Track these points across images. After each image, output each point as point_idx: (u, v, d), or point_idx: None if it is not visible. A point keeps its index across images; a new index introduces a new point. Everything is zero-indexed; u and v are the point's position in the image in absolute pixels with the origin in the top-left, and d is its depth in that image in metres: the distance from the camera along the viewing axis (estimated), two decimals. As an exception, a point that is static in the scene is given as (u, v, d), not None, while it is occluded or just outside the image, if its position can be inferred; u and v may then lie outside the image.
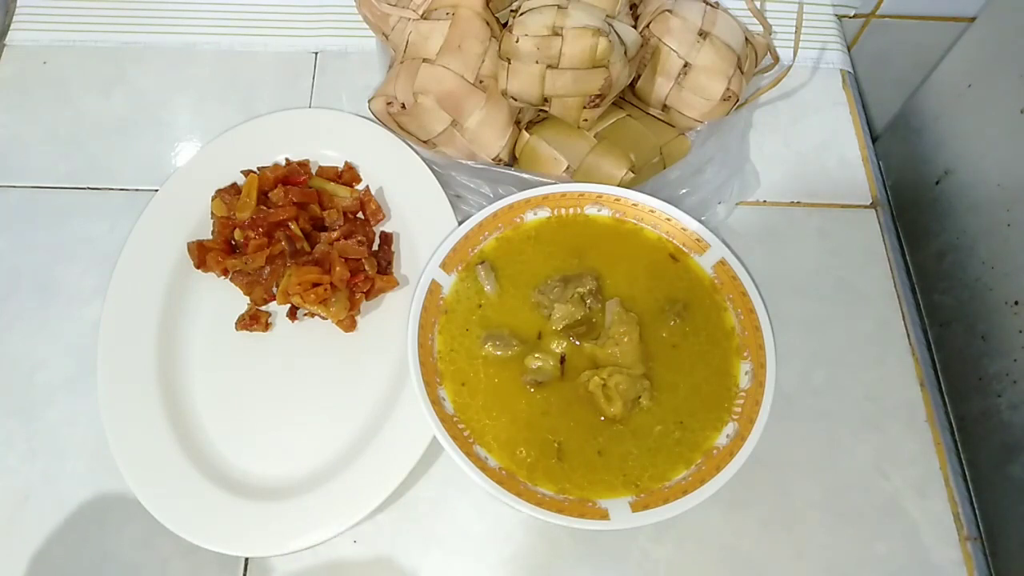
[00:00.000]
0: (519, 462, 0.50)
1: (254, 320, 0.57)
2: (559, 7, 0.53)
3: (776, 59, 0.64)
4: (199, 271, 0.59)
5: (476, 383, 0.52)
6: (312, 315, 0.58)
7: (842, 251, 0.65)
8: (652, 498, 0.48)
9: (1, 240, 0.62)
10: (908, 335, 0.61)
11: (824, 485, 0.56)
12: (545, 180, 0.57)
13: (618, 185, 0.58)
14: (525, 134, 0.59)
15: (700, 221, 0.57)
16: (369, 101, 0.61)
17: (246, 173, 0.61)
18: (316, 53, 0.72)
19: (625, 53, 0.55)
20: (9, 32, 0.72)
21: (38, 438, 0.55)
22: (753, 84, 0.64)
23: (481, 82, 0.57)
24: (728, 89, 0.60)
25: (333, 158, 0.63)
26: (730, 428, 0.51)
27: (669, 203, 0.57)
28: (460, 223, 0.57)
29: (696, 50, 0.59)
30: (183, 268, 0.59)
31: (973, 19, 0.66)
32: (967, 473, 0.58)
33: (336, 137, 0.64)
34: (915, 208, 0.68)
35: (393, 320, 0.58)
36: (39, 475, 0.54)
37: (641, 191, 0.57)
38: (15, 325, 0.59)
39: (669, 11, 0.60)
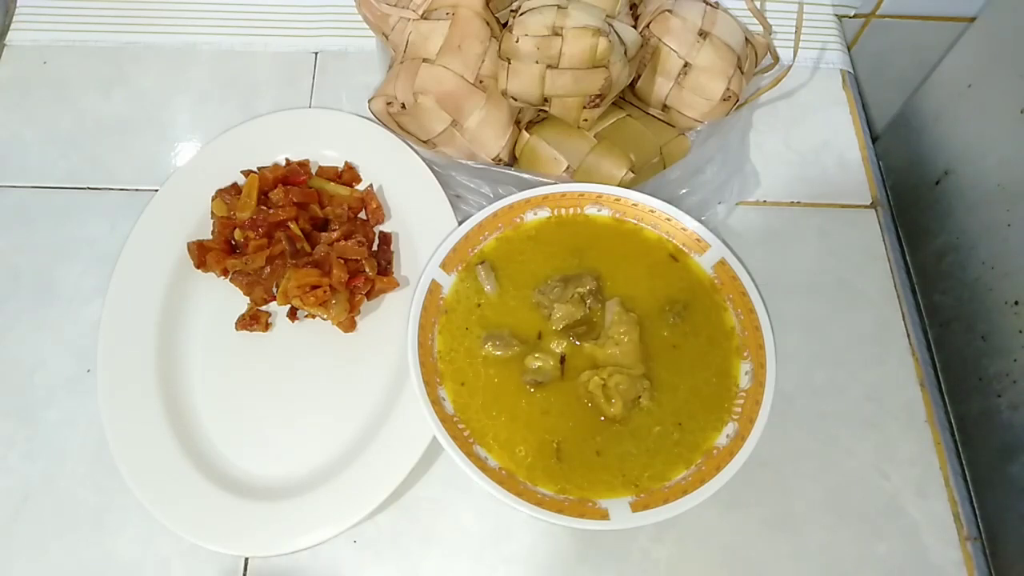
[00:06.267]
0: (519, 462, 0.50)
1: (254, 320, 0.57)
2: (559, 7, 0.53)
3: (776, 59, 0.64)
4: (199, 271, 0.59)
5: (476, 383, 0.52)
6: (312, 316, 0.58)
7: (842, 251, 0.65)
8: (652, 498, 0.48)
9: (1, 240, 0.62)
10: (908, 335, 0.61)
11: (824, 485, 0.56)
12: (545, 180, 0.57)
13: (618, 185, 0.58)
14: (525, 134, 0.59)
15: (700, 221, 0.57)
16: (369, 101, 0.61)
17: (246, 173, 0.61)
18: (316, 53, 0.72)
19: (625, 53, 0.55)
20: (9, 32, 0.72)
21: (38, 438, 0.55)
22: (753, 84, 0.64)
23: (481, 82, 0.57)
24: (728, 89, 0.60)
25: (333, 158, 0.63)
26: (730, 428, 0.51)
27: (669, 203, 0.57)
28: (460, 223, 0.57)
29: (696, 50, 0.59)
30: (183, 268, 0.59)
31: (973, 19, 0.66)
32: (967, 473, 0.58)
33: (336, 137, 0.64)
34: (915, 208, 0.68)
35: (393, 320, 0.58)
36: (39, 475, 0.54)
37: (641, 191, 0.57)
38: (15, 325, 0.59)
39: (669, 11, 0.60)
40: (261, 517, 0.51)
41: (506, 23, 0.57)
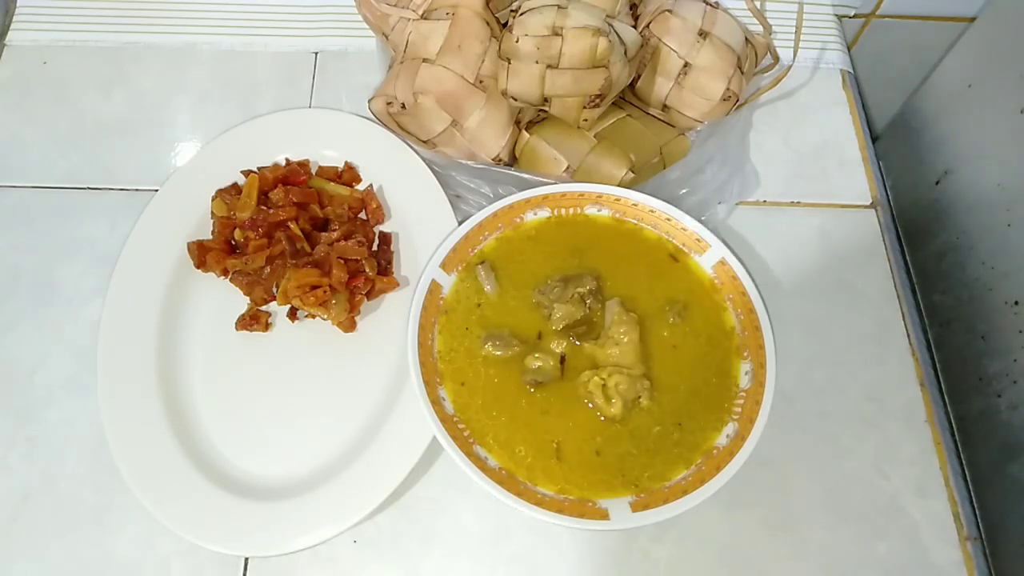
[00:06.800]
0: (518, 462, 0.50)
1: (254, 320, 0.57)
2: (559, 7, 0.53)
3: (776, 59, 0.64)
4: (199, 271, 0.59)
5: (476, 383, 0.52)
6: (312, 316, 0.58)
7: (842, 251, 0.65)
8: (652, 498, 0.48)
9: (1, 240, 0.62)
10: (908, 335, 0.61)
11: (824, 485, 0.56)
12: (545, 180, 0.57)
13: (618, 185, 0.58)
14: (525, 134, 0.59)
15: (700, 221, 0.57)
16: (369, 101, 0.61)
17: (246, 173, 0.61)
18: (316, 53, 0.72)
19: (625, 53, 0.55)
20: (9, 32, 0.72)
21: (38, 438, 0.55)
22: (753, 84, 0.64)
23: (481, 82, 0.57)
24: (728, 89, 0.60)
25: (333, 158, 0.63)
26: (730, 428, 0.51)
27: (669, 203, 0.57)
28: (460, 223, 0.57)
29: (696, 50, 0.59)
30: (183, 268, 0.59)
31: (973, 19, 0.66)
32: (967, 473, 0.58)
33: (336, 137, 0.64)
34: (915, 208, 0.68)
35: (393, 320, 0.58)
36: (39, 475, 0.54)
37: (641, 191, 0.57)
38: (15, 325, 0.59)
39: (669, 11, 0.60)
40: (261, 517, 0.51)
41: (506, 23, 0.57)
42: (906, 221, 0.68)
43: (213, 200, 0.60)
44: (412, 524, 0.54)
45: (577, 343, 0.53)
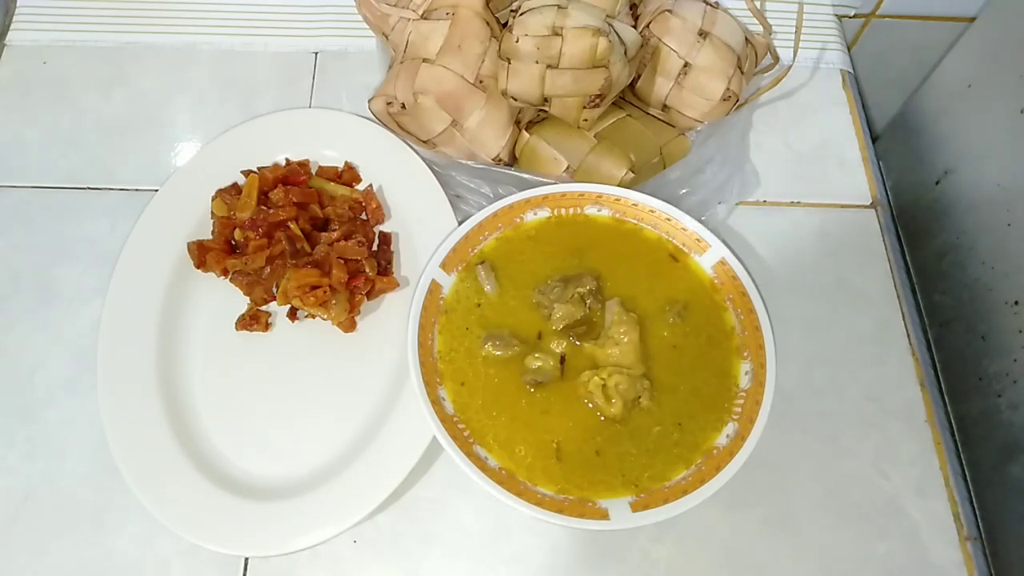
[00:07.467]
0: (518, 462, 0.50)
1: (254, 320, 0.57)
2: (559, 7, 0.53)
3: (776, 59, 0.64)
4: (199, 271, 0.59)
5: (476, 383, 0.52)
6: (312, 316, 0.58)
7: (842, 251, 0.65)
8: (652, 498, 0.48)
9: (1, 240, 0.62)
10: (908, 335, 0.61)
11: (824, 485, 0.56)
12: (545, 180, 0.57)
13: (618, 185, 0.58)
14: (525, 134, 0.59)
15: (700, 221, 0.57)
16: (369, 101, 0.61)
17: (246, 173, 0.61)
18: (316, 53, 0.72)
19: (625, 53, 0.55)
20: (9, 32, 0.72)
21: (38, 438, 0.55)
22: (753, 84, 0.64)
23: (481, 82, 0.57)
24: (728, 89, 0.60)
25: (333, 158, 0.63)
26: (730, 428, 0.51)
27: (669, 203, 0.57)
28: (460, 223, 0.57)
29: (696, 50, 0.59)
30: (183, 268, 0.59)
31: (973, 19, 0.66)
32: (967, 473, 0.58)
33: (336, 137, 0.64)
34: (915, 208, 0.68)
35: (393, 320, 0.58)
36: (39, 475, 0.54)
37: (641, 191, 0.57)
38: (15, 325, 0.59)
39: (669, 11, 0.60)
40: (261, 517, 0.51)
41: (506, 23, 0.57)
42: (906, 221, 0.68)
43: (213, 200, 0.60)
44: (412, 524, 0.54)
45: (577, 343, 0.53)
